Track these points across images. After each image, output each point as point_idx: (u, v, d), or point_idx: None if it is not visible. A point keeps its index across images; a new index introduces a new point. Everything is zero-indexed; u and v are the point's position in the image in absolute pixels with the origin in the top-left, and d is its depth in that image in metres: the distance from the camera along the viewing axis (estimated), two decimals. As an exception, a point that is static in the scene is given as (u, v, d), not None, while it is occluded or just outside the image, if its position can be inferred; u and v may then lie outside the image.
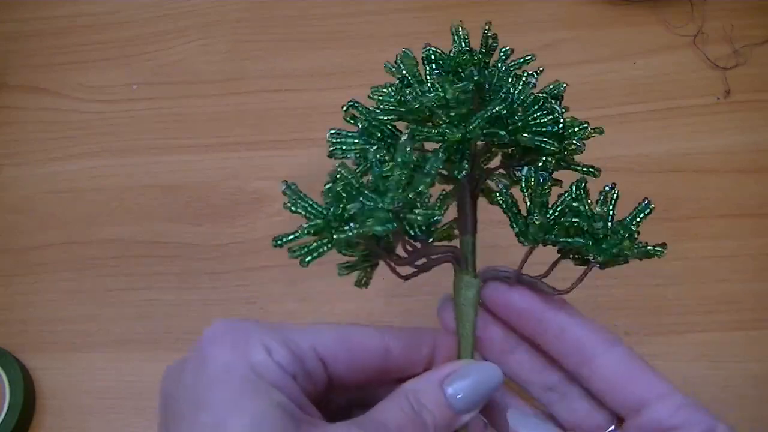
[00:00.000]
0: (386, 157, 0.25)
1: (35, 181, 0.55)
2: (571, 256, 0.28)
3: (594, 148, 0.50)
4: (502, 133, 0.26)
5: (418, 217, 0.24)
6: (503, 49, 0.30)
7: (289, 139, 0.54)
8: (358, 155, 0.27)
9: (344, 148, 0.28)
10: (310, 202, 0.25)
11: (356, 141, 0.28)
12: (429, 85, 0.27)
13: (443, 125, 0.26)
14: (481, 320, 0.29)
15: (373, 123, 0.28)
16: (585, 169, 0.28)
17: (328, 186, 0.24)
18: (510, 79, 0.27)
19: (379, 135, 0.28)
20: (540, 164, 0.27)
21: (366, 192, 0.24)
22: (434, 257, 0.29)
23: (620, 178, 0.50)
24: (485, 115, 0.26)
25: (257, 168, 0.53)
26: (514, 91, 0.27)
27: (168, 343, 0.47)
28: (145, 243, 0.51)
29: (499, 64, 0.28)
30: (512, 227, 0.28)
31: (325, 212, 0.24)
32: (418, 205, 0.24)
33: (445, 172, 0.28)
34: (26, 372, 0.46)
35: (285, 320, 0.47)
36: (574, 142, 0.27)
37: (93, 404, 0.46)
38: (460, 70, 0.28)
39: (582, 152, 0.28)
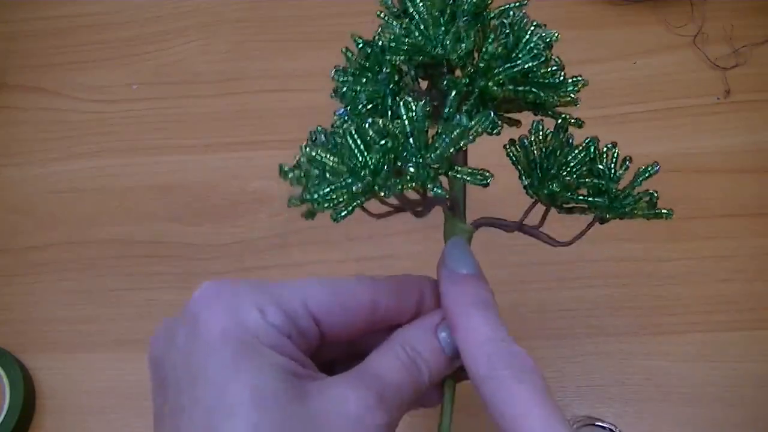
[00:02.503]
0: (414, 106, 0.24)
1: (35, 181, 0.55)
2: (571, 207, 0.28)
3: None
4: (527, 89, 0.25)
5: (466, 177, 0.24)
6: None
7: (289, 139, 0.54)
8: (369, 97, 0.26)
9: (357, 89, 0.26)
10: (350, 158, 0.23)
11: (365, 81, 0.26)
12: (447, 29, 0.26)
13: (467, 77, 0.25)
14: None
15: (377, 62, 0.27)
16: (573, 121, 0.28)
17: (380, 144, 0.23)
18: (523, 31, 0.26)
19: (387, 70, 0.26)
20: (538, 114, 0.27)
21: (410, 148, 0.23)
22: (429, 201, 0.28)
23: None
24: (513, 70, 0.25)
25: (257, 168, 0.53)
26: (532, 39, 0.26)
27: (168, 343, 0.47)
28: (145, 243, 0.51)
29: (512, 13, 0.27)
30: (521, 180, 0.27)
31: (366, 166, 0.23)
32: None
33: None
34: (26, 372, 0.46)
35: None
36: (570, 95, 0.27)
37: (93, 404, 0.46)
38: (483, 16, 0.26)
39: (577, 105, 0.27)
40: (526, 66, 0.25)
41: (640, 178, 0.27)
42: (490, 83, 0.25)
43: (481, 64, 0.25)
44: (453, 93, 0.25)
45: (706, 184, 0.48)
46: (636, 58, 0.54)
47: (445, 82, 0.25)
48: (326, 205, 0.23)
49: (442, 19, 0.26)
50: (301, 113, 0.55)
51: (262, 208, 0.51)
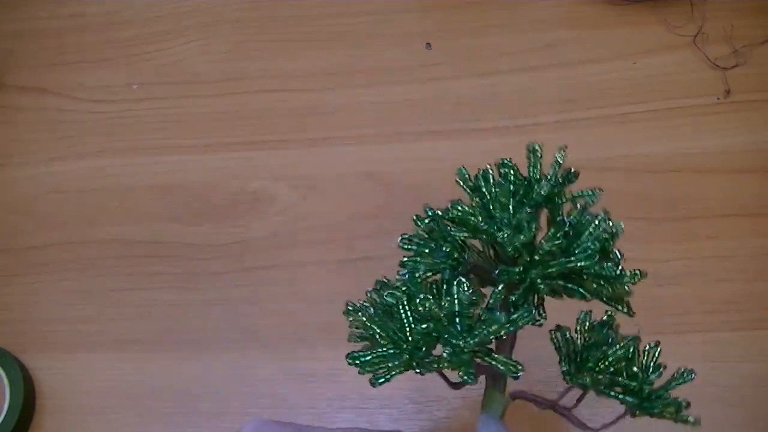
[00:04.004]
0: (466, 290, 0.26)
1: (35, 181, 0.55)
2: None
3: (594, 148, 0.51)
4: (575, 287, 0.27)
5: (500, 366, 0.26)
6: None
7: (289, 139, 0.54)
8: (428, 268, 0.28)
9: (417, 260, 0.28)
10: (396, 330, 0.26)
11: (427, 251, 0.28)
12: (512, 217, 0.27)
13: (522, 268, 0.27)
14: None
15: (443, 235, 0.28)
16: (624, 309, 0.29)
17: (422, 326, 0.25)
18: (587, 225, 0.27)
19: (446, 249, 0.28)
20: (580, 293, 0.28)
21: (452, 330, 0.25)
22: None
23: (620, 178, 0.50)
24: (567, 266, 0.26)
25: (257, 168, 0.53)
26: (589, 238, 0.27)
27: (168, 343, 0.47)
28: (145, 243, 0.51)
29: (579, 207, 0.28)
30: (561, 365, 0.29)
31: (408, 341, 0.25)
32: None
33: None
34: (26, 372, 0.46)
35: (285, 320, 0.47)
36: (626, 287, 0.28)
37: (93, 404, 0.46)
38: (549, 209, 0.28)
39: (630, 296, 0.28)
40: (579, 264, 0.26)
41: (674, 384, 0.28)
42: (539, 281, 0.26)
43: (537, 257, 0.26)
44: (501, 286, 0.26)
45: (706, 184, 0.48)
46: (636, 58, 0.54)
47: (497, 272, 0.27)
48: (366, 368, 0.26)
49: (511, 203, 0.27)
50: (301, 113, 0.55)
51: (262, 208, 0.51)
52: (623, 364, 0.28)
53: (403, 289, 0.27)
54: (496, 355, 0.26)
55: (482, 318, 0.26)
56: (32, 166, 0.55)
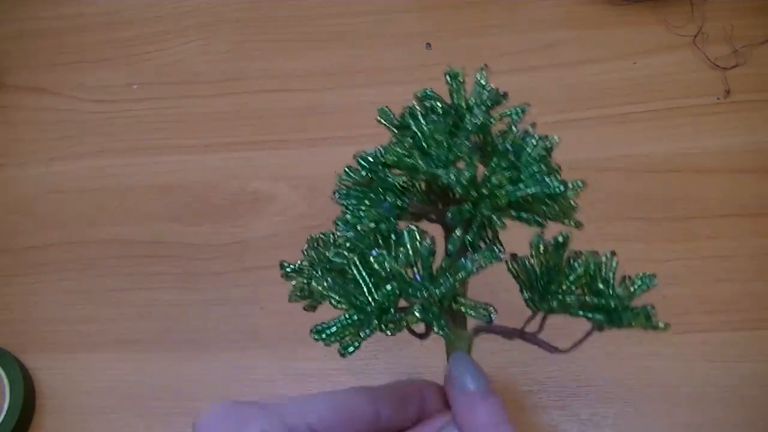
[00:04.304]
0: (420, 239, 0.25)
1: (35, 181, 0.55)
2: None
3: (594, 148, 0.51)
4: (530, 217, 0.26)
5: (471, 312, 0.25)
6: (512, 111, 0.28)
7: (289, 139, 0.54)
8: (372, 219, 0.27)
9: (360, 214, 0.27)
10: (356, 295, 0.24)
11: (368, 203, 0.27)
12: (450, 153, 0.26)
13: (471, 205, 0.26)
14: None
15: (381, 179, 0.27)
16: (573, 224, 0.28)
17: (386, 287, 0.24)
18: (522, 143, 0.27)
19: (389, 198, 0.27)
20: (536, 220, 0.27)
21: (416, 284, 0.24)
22: None
23: (620, 178, 0.50)
24: (516, 194, 0.26)
25: (257, 168, 0.53)
26: (531, 160, 0.26)
27: (168, 343, 0.47)
28: (145, 243, 0.51)
29: (514, 129, 0.27)
30: (522, 294, 0.28)
31: (371, 304, 0.24)
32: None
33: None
34: (26, 372, 0.46)
35: (285, 320, 0.47)
36: (571, 201, 0.27)
37: (93, 404, 0.46)
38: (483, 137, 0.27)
39: (576, 211, 0.27)
40: (528, 191, 0.25)
41: (638, 291, 0.27)
42: (493, 217, 0.25)
43: (485, 191, 0.25)
44: (458, 232, 0.25)
45: (706, 184, 0.48)
46: (636, 58, 0.54)
47: (449, 215, 0.26)
48: (333, 340, 0.24)
49: (445, 139, 0.26)
50: (301, 113, 0.55)
51: (261, 208, 0.51)
52: (586, 281, 0.27)
53: (348, 245, 0.26)
54: (464, 301, 0.25)
55: (444, 266, 0.25)
56: (32, 166, 0.55)
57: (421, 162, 0.26)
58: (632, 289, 0.27)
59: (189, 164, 0.54)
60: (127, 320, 0.48)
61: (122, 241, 0.51)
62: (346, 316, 0.24)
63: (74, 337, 0.48)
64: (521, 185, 0.25)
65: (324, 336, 0.24)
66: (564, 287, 0.27)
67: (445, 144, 0.26)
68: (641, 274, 0.27)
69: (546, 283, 0.27)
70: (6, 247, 0.52)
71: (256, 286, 0.48)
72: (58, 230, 0.52)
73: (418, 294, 0.24)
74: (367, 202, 0.27)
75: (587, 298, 0.27)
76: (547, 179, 0.25)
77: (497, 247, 0.25)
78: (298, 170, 0.52)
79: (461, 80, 0.28)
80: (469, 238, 0.26)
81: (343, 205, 0.27)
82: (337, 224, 0.27)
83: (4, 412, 0.44)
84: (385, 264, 0.24)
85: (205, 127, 0.55)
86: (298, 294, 0.29)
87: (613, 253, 0.27)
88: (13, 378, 0.45)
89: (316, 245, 0.29)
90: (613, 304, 0.26)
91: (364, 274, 0.24)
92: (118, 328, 0.48)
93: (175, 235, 0.51)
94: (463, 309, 0.25)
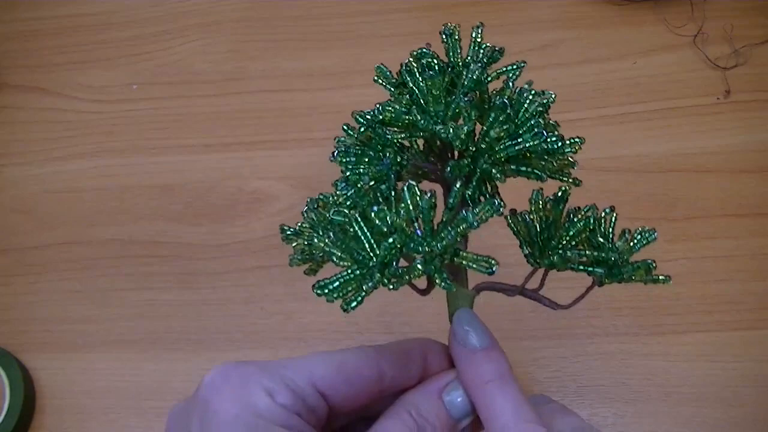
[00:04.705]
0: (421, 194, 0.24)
1: (35, 181, 0.55)
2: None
3: (594, 148, 0.51)
4: (529, 170, 0.26)
5: (472, 264, 0.24)
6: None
7: (289, 139, 0.54)
8: (373, 177, 0.27)
9: (360, 171, 0.27)
10: (358, 250, 0.24)
11: (367, 161, 0.27)
12: (448, 108, 0.26)
13: (470, 160, 0.26)
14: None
15: (380, 136, 0.27)
16: (571, 180, 0.28)
17: (388, 241, 0.23)
18: (517, 98, 0.26)
19: (389, 155, 0.27)
20: (535, 173, 0.27)
21: (417, 238, 0.24)
22: None
23: (620, 178, 0.50)
24: (515, 148, 0.25)
25: (257, 168, 0.53)
26: (530, 115, 0.26)
27: (168, 343, 0.47)
28: (145, 243, 0.51)
29: (511, 85, 0.27)
30: (522, 249, 0.28)
31: (373, 258, 0.24)
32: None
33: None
34: (26, 372, 0.46)
35: (285, 320, 0.47)
36: (569, 158, 0.27)
37: (93, 404, 0.46)
38: (482, 95, 0.27)
39: (575, 167, 0.27)
40: (527, 145, 0.25)
41: (638, 246, 0.27)
42: (493, 170, 0.25)
43: (483, 146, 0.25)
44: (458, 184, 0.25)
45: (706, 184, 0.48)
46: (636, 58, 0.54)
47: (449, 169, 0.26)
48: (335, 296, 0.24)
49: (442, 95, 0.26)
50: (301, 113, 0.55)
51: (261, 208, 0.51)
52: (586, 236, 0.27)
53: (348, 203, 0.25)
54: (465, 254, 0.24)
55: (445, 219, 0.24)
56: (32, 166, 0.55)
57: (419, 117, 0.25)
58: (632, 244, 0.27)
59: (189, 164, 0.54)
60: (127, 320, 0.48)
61: (122, 241, 0.51)
62: (349, 271, 0.24)
63: (74, 337, 0.48)
64: (519, 139, 0.25)
65: (327, 291, 0.24)
66: (564, 242, 0.27)
67: (442, 100, 0.26)
68: (641, 228, 0.27)
69: (546, 238, 0.27)
70: (6, 247, 0.52)
71: (256, 286, 0.48)
72: (58, 230, 0.52)
73: (420, 248, 0.23)
74: (366, 159, 0.27)
75: (587, 252, 0.27)
76: (545, 133, 0.25)
77: (497, 201, 0.25)
78: (298, 170, 0.52)
79: (457, 38, 0.28)
80: (469, 193, 0.26)
81: (343, 163, 0.27)
82: (337, 184, 0.26)
83: (4, 412, 0.44)
84: (387, 219, 0.24)
85: (205, 127, 0.55)
86: (299, 257, 0.28)
87: (612, 209, 0.27)
88: (13, 378, 0.45)
89: (315, 206, 0.29)
90: (613, 258, 0.26)
91: (365, 230, 0.24)
92: (117, 328, 0.48)
93: (175, 235, 0.51)
94: (464, 262, 0.24)
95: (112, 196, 0.53)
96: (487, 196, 0.27)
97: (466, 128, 0.25)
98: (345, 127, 0.28)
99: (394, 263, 0.24)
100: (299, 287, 0.48)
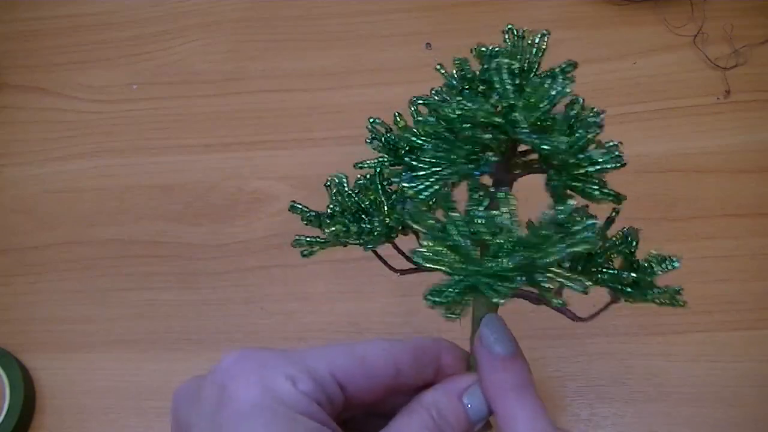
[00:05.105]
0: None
1: (35, 181, 0.55)
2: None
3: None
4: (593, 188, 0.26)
5: (569, 283, 0.24)
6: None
7: (289, 139, 0.54)
8: (458, 175, 0.25)
9: (440, 167, 0.25)
10: (465, 257, 0.23)
11: (454, 157, 0.25)
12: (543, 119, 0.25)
13: (555, 170, 0.25)
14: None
15: (469, 137, 0.25)
16: (613, 194, 0.28)
17: (515, 258, 0.22)
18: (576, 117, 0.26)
19: (486, 155, 0.26)
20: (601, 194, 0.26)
21: (522, 249, 0.23)
22: None
23: (620, 178, 0.50)
24: (595, 168, 0.25)
25: (257, 168, 0.53)
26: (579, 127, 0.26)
27: (168, 343, 0.47)
28: (144, 243, 0.51)
29: (581, 100, 0.27)
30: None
31: (483, 269, 0.23)
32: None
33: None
34: (26, 372, 0.46)
35: (285, 320, 0.47)
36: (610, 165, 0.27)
37: (92, 404, 0.46)
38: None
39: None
40: (600, 161, 0.25)
41: (657, 271, 0.28)
42: (576, 184, 0.25)
43: (571, 160, 0.25)
44: (572, 203, 0.24)
45: (706, 184, 0.48)
46: (636, 58, 0.54)
47: (554, 183, 0.25)
48: (437, 300, 0.23)
49: (538, 102, 0.25)
50: (300, 113, 0.55)
51: (261, 208, 0.51)
52: (623, 258, 0.27)
53: (425, 199, 0.24)
54: (558, 271, 0.24)
55: (548, 233, 0.23)
56: (32, 166, 0.55)
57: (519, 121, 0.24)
58: (654, 268, 0.28)
59: (189, 164, 0.54)
60: (127, 320, 0.48)
61: (122, 241, 0.51)
62: (458, 278, 0.23)
63: (74, 337, 0.48)
64: (600, 159, 0.25)
65: (437, 300, 0.23)
66: (603, 262, 0.27)
67: (539, 108, 0.25)
68: (665, 254, 0.28)
69: (588, 261, 0.27)
70: (6, 247, 0.52)
71: (256, 286, 0.48)
72: (58, 230, 0.52)
73: (547, 258, 0.22)
74: (453, 156, 0.25)
75: (624, 275, 0.27)
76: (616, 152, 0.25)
77: (595, 220, 0.24)
78: (298, 170, 0.52)
79: (530, 42, 0.28)
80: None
81: (417, 157, 0.25)
82: (401, 176, 0.25)
83: (4, 412, 0.44)
84: (492, 225, 0.22)
85: (205, 127, 0.55)
86: (307, 217, 0.28)
87: (637, 230, 0.28)
88: (13, 378, 0.45)
89: (338, 190, 0.28)
90: (641, 280, 0.27)
91: (467, 235, 0.23)
92: (117, 328, 0.48)
93: (175, 235, 0.51)
94: (561, 280, 0.24)
95: (112, 196, 0.53)
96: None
97: (567, 141, 0.24)
98: (417, 116, 0.27)
99: (519, 277, 0.23)
100: (299, 287, 0.48)
